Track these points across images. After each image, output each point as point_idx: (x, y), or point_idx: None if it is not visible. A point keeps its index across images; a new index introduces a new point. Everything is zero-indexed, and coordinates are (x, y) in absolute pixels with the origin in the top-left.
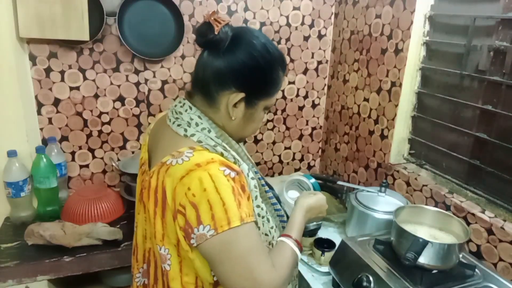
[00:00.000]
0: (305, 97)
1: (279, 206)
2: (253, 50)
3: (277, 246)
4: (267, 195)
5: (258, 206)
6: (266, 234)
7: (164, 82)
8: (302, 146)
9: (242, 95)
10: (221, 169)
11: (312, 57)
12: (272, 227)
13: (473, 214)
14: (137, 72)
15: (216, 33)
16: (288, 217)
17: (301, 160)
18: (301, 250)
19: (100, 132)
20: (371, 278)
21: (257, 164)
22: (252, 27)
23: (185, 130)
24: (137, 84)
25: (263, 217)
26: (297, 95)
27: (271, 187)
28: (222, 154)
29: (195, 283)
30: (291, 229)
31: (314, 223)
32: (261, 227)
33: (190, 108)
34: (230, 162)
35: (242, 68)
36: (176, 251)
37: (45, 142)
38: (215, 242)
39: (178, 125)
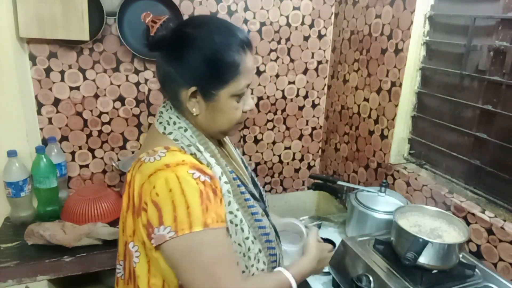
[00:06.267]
0: (305, 97)
1: (260, 217)
2: (194, 42)
3: (270, 272)
4: (246, 203)
5: (231, 213)
6: (239, 244)
7: None
8: (302, 146)
9: (193, 89)
10: (190, 172)
11: (312, 57)
12: (247, 238)
13: (473, 214)
14: (137, 72)
15: (152, 34)
16: (276, 231)
17: (301, 160)
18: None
19: (100, 132)
20: (371, 278)
21: (257, 164)
22: (205, 14)
23: (164, 128)
24: (137, 84)
25: (236, 225)
26: (297, 95)
27: (257, 198)
28: (195, 155)
29: (162, 286)
30: (292, 266)
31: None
32: (233, 235)
33: (171, 108)
34: (202, 166)
35: (185, 63)
36: (144, 250)
37: (45, 142)
38: (176, 246)
39: (160, 123)
